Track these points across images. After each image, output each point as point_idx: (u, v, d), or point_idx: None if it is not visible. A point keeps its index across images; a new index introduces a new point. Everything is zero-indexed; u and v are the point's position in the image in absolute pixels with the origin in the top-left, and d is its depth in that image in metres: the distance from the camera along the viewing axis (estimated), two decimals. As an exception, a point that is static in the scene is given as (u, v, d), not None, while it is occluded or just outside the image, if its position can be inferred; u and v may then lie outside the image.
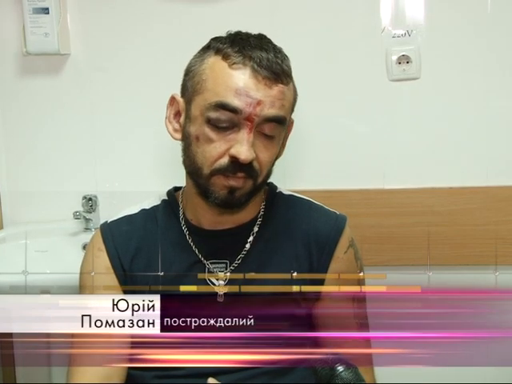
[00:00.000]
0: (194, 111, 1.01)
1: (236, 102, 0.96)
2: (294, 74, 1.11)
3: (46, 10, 1.58)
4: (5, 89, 1.67)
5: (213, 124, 0.98)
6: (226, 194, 1.00)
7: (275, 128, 1.00)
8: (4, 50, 1.66)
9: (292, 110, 1.06)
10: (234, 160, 0.97)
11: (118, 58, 1.64)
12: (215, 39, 1.03)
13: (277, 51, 1.01)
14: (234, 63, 0.98)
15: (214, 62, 1.00)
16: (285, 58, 1.02)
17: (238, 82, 0.97)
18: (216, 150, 0.98)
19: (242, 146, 0.96)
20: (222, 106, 0.97)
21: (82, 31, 1.64)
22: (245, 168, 0.98)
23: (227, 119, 0.97)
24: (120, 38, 1.63)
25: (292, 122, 1.10)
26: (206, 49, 1.03)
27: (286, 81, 1.00)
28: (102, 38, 1.63)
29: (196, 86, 1.01)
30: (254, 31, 1.05)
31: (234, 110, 0.96)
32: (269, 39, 1.04)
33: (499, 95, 1.55)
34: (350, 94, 1.59)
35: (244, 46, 0.99)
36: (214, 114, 0.97)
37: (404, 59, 1.54)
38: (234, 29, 1.05)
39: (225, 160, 0.98)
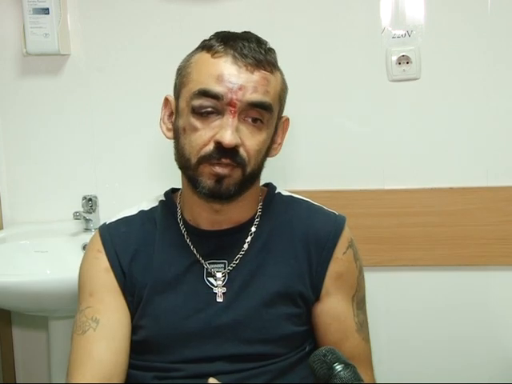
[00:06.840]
0: (181, 104, 1.03)
1: (218, 88, 0.97)
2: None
3: (46, 11, 1.58)
4: (5, 89, 1.67)
5: (197, 112, 0.99)
6: (213, 183, 0.99)
7: (261, 114, 1.00)
8: (4, 50, 1.66)
9: (281, 102, 1.05)
10: (219, 145, 0.97)
11: (117, 58, 1.64)
12: (204, 40, 1.05)
13: (261, 43, 1.02)
14: (216, 52, 0.99)
15: (199, 56, 1.02)
16: (269, 50, 1.03)
17: (219, 69, 0.98)
18: (201, 138, 0.99)
19: (226, 131, 0.97)
20: (204, 93, 0.98)
21: (81, 31, 1.64)
22: (230, 153, 0.98)
23: (210, 105, 0.98)
24: (120, 38, 1.63)
25: (287, 120, 1.10)
26: (195, 50, 1.05)
27: (270, 69, 1.01)
28: (102, 38, 1.64)
29: (182, 79, 1.03)
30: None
31: (215, 96, 0.97)
32: (255, 35, 1.04)
33: (499, 95, 1.55)
34: (350, 95, 1.59)
35: (228, 38, 1.01)
36: (197, 102, 0.98)
37: (404, 60, 1.54)
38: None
39: (210, 147, 0.98)
